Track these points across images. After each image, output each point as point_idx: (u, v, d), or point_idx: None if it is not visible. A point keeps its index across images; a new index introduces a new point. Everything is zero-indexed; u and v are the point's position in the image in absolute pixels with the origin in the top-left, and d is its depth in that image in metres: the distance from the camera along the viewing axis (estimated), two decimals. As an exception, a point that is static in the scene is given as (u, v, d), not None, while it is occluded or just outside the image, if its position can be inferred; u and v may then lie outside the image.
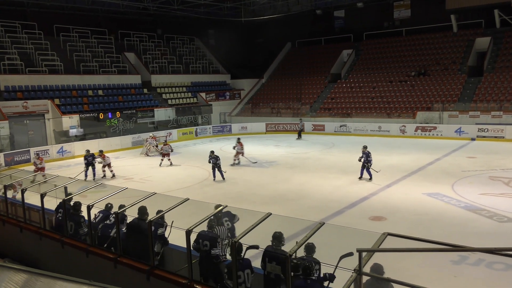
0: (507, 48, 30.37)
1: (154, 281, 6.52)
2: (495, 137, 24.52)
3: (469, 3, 30.56)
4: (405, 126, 27.80)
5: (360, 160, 15.97)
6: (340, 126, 30.18)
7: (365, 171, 15.91)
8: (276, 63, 41.42)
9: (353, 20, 38.50)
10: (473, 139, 25.01)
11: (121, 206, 7.75)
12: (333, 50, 38.51)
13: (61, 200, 8.73)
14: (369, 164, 15.79)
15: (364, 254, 4.85)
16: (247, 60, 38.78)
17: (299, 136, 28.69)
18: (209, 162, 16.74)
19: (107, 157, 18.13)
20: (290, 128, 31.97)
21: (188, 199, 7.41)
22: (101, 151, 18.16)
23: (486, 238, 9.72)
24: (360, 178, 15.97)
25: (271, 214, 6.32)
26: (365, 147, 16.25)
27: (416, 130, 27.24)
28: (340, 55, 37.77)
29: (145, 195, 7.78)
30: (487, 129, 25.03)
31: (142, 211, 7.31)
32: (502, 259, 8.13)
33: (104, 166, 17.95)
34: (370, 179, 15.73)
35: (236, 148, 19.71)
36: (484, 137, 24.86)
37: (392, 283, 4.83)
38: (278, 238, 5.93)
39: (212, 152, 16.81)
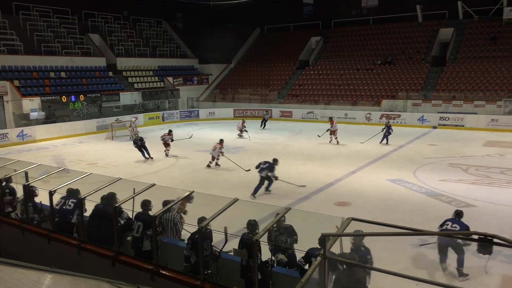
0: (469, 40, 31.33)
1: (120, 267, 6.45)
2: (456, 125, 25.43)
3: (434, -6, 31.32)
4: (370, 114, 28.37)
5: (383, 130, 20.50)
6: (308, 113, 30.47)
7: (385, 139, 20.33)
8: (245, 48, 41.18)
9: (322, 7, 38.64)
10: (434, 127, 25.84)
11: (75, 191, 7.62)
12: (302, 37, 38.61)
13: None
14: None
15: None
16: (215, 44, 38.31)
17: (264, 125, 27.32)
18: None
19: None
20: (258, 114, 31.99)
21: (154, 184, 7.34)
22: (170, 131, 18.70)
23: (445, 223, 10.11)
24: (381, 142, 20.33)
25: (238, 199, 6.36)
26: (387, 122, 21.21)
27: (381, 118, 27.83)
28: (308, 42, 37.92)
29: (110, 180, 7.64)
30: (448, 117, 25.91)
31: (108, 197, 7.19)
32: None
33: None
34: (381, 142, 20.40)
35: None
36: (445, 125, 25.73)
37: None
38: (253, 225, 6.04)
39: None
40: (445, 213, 10.91)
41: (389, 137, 20.55)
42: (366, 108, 29.09)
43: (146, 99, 31.58)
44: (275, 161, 12.69)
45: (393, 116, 27.43)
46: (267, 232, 5.96)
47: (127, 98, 30.32)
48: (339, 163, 16.79)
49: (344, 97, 30.94)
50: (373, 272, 5.18)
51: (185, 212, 8.06)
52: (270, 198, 12.19)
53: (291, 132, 25.69)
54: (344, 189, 13.18)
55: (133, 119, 23.95)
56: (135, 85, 32.40)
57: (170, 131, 18.91)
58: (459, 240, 7.39)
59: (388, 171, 15.32)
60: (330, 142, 21.10)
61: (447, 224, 7.82)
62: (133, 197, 7.11)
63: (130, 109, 29.92)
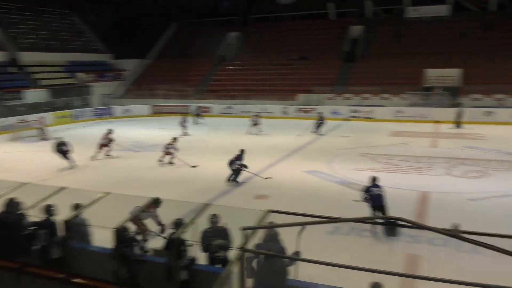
0: (377, 37, 33.47)
1: (26, 280, 5.96)
2: (365, 117, 27.10)
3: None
4: (287, 108, 29.19)
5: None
6: (226, 108, 30.57)
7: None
8: (162, 43, 40.22)
9: (239, 2, 38.94)
10: (347, 120, 27.29)
11: None
12: (220, 32, 38.61)
13: None
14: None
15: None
16: (130, 39, 36.91)
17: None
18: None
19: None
20: (175, 110, 31.40)
21: (64, 188, 6.92)
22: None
23: (356, 209, 10.71)
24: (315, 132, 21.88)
25: (159, 199, 6.22)
26: (320, 113, 23.16)
27: (297, 112, 28.78)
28: (226, 37, 38.00)
29: (14, 185, 7.06)
30: (359, 110, 27.52)
31: (11, 203, 6.60)
32: (369, 227, 9.09)
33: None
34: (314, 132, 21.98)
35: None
36: (356, 117, 27.29)
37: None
38: (179, 224, 5.98)
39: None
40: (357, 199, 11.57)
41: (322, 128, 22.39)
42: (283, 102, 29.86)
43: (56, 96, 29.56)
44: (242, 151, 13.52)
45: (308, 109, 28.46)
46: (201, 234, 6.01)
47: (32, 96, 28.16)
48: (257, 157, 17.02)
49: (261, 92, 31.43)
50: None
51: (163, 230, 7.41)
52: (190, 195, 12.04)
53: (209, 127, 25.62)
54: (263, 182, 13.43)
55: (40, 118, 22.39)
56: (42, 82, 30.14)
57: (110, 130, 17.67)
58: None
59: (304, 163, 15.90)
60: (253, 133, 22.56)
61: (372, 191, 9.14)
62: (39, 203, 6.63)
63: (35, 108, 27.77)
